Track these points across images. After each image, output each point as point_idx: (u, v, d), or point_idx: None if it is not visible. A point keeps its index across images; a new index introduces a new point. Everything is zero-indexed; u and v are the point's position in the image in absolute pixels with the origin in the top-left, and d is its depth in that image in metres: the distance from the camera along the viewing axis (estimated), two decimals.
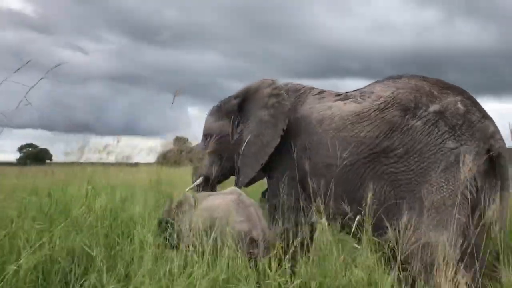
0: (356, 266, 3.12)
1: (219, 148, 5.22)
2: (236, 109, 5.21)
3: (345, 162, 4.11)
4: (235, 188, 4.53)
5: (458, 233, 3.71)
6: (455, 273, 3.62)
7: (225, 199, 4.18)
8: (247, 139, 4.96)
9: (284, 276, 3.13)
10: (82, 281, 2.93)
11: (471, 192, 3.75)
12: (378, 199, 3.95)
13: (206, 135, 5.30)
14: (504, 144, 3.83)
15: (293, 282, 3.16)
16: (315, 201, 4.11)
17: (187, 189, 5.25)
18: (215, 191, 5.24)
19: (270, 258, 3.57)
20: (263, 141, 4.78)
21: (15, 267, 2.70)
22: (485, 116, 3.89)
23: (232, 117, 5.18)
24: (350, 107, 4.34)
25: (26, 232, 3.05)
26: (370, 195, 3.71)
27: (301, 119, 4.63)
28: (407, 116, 3.95)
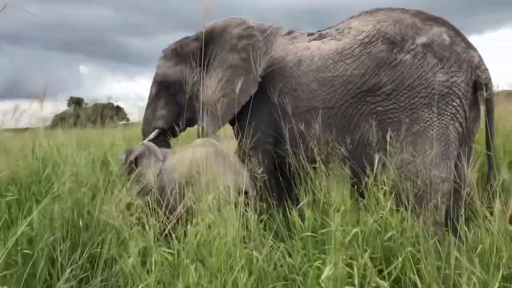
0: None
1: (177, 97, 4.67)
2: (197, 52, 4.64)
3: (332, 104, 3.86)
4: (206, 138, 4.07)
5: (452, 167, 3.67)
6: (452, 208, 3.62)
7: (200, 150, 3.71)
8: (212, 87, 4.48)
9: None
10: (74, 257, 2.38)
11: (461, 125, 3.69)
12: (366, 140, 3.79)
13: (161, 82, 4.67)
14: (489, 74, 3.78)
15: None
16: (300, 146, 3.83)
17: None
18: (169, 146, 4.73)
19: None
20: (233, 89, 4.34)
21: None
22: (469, 46, 3.79)
23: (193, 61, 4.63)
24: (330, 45, 4.03)
25: None
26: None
27: (274, 62, 4.24)
28: (394, 50, 3.74)
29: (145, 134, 4.68)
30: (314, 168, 3.67)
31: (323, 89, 3.90)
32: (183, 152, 3.84)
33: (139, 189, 3.59)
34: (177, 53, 4.68)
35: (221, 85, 4.43)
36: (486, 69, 3.76)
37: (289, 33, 4.46)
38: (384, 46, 3.76)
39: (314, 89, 3.94)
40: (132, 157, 3.90)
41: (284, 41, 4.36)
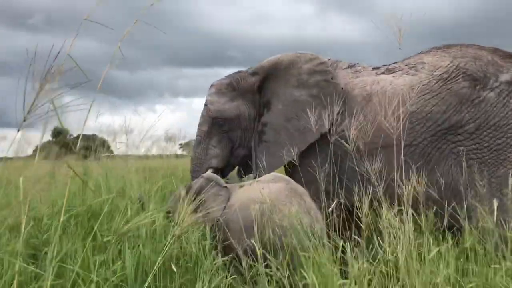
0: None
1: (231, 134, 4.37)
2: (255, 88, 4.37)
3: (409, 141, 3.60)
4: (277, 174, 3.73)
5: None
6: None
7: (273, 187, 3.38)
8: (272, 123, 4.21)
9: None
10: None
11: None
12: (445, 182, 3.50)
13: (215, 119, 4.35)
14: None
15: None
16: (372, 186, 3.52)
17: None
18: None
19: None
20: (298, 126, 4.07)
21: None
22: None
23: (251, 97, 4.37)
24: (404, 80, 3.80)
25: None
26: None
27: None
28: (477, 87, 3.53)
29: (196, 175, 4.32)
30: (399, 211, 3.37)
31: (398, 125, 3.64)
32: (252, 187, 3.50)
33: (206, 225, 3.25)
34: (233, 88, 4.39)
35: (280, 122, 4.17)
36: None
37: (350, 66, 4.24)
38: (466, 82, 3.55)
39: (387, 125, 3.68)
40: (193, 192, 3.57)
41: (347, 74, 4.13)
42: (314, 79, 4.13)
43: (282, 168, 4.42)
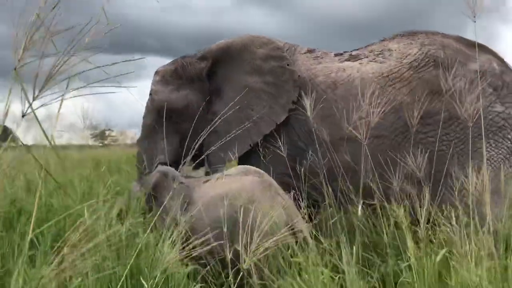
0: None
1: (180, 126, 3.92)
2: (204, 74, 3.97)
3: (378, 132, 3.37)
4: (248, 166, 3.32)
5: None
6: None
7: (245, 181, 2.99)
8: (221, 113, 3.84)
9: None
10: None
11: None
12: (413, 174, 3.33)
13: (161, 110, 3.86)
14: None
15: None
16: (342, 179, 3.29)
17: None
18: None
19: None
20: (252, 116, 3.73)
21: None
22: None
23: (199, 84, 3.96)
24: (372, 67, 3.59)
25: None
26: None
27: (300, 83, 3.71)
28: (447, 76, 3.39)
29: (144, 170, 3.83)
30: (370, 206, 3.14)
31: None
32: (220, 182, 3.08)
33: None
34: (179, 75, 3.96)
35: (238, 111, 3.81)
36: None
37: (310, 51, 3.97)
38: (437, 71, 3.40)
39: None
40: (148, 188, 3.12)
41: (308, 60, 3.85)
42: (269, 65, 3.82)
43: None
